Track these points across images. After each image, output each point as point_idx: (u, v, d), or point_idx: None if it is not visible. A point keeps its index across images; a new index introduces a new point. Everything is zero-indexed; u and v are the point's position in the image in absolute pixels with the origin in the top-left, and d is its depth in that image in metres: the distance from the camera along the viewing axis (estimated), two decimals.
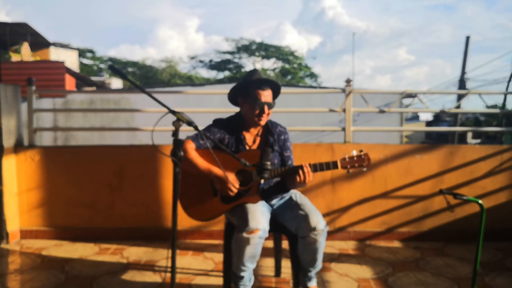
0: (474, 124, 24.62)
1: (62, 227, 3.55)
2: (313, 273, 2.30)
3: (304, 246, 2.17)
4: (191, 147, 2.20)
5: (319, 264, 2.26)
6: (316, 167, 2.15)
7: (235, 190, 2.13)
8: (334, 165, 2.15)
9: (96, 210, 3.54)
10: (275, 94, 2.32)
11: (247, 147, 2.30)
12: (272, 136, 2.33)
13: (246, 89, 2.25)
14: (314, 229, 2.10)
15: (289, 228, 2.24)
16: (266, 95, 2.22)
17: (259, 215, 2.09)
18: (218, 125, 2.31)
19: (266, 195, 2.29)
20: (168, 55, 62.98)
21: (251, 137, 2.34)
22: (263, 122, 2.27)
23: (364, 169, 2.17)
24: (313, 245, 2.14)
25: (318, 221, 2.12)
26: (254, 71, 2.30)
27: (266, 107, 2.22)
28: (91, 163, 3.55)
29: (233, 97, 2.36)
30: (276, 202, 2.36)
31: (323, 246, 2.18)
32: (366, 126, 4.04)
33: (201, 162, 2.17)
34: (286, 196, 2.36)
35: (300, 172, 2.11)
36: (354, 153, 2.17)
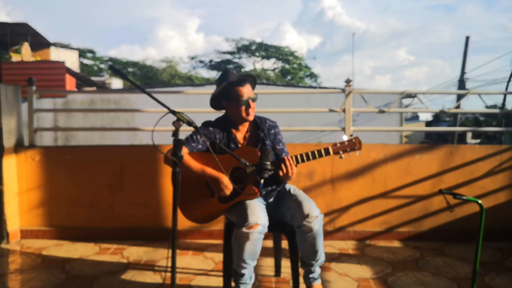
0: (473, 124, 24.57)
1: (62, 227, 3.55)
2: (316, 268, 2.28)
3: (301, 237, 2.18)
4: (184, 151, 2.20)
5: (321, 256, 2.25)
6: (308, 156, 2.17)
7: (230, 188, 2.14)
8: (326, 152, 2.18)
9: (97, 210, 3.55)
10: (253, 85, 2.36)
11: (239, 145, 2.32)
12: (262, 131, 2.36)
13: (226, 91, 2.28)
14: (307, 216, 2.12)
15: (286, 220, 2.26)
16: (247, 91, 2.27)
17: (258, 210, 2.10)
18: (208, 126, 2.34)
19: (262, 190, 2.30)
20: (168, 55, 63.01)
21: (241, 135, 2.37)
22: (251, 117, 2.30)
23: (357, 152, 2.20)
24: (310, 235, 2.14)
25: (311, 208, 2.14)
26: (227, 72, 2.33)
27: (250, 102, 2.26)
28: (92, 163, 3.55)
29: (216, 103, 2.39)
30: (273, 200, 2.38)
31: (321, 235, 2.18)
32: (366, 126, 4.05)
33: (194, 164, 2.18)
34: (281, 191, 2.38)
35: (282, 166, 2.13)
36: (345, 138, 2.21)
